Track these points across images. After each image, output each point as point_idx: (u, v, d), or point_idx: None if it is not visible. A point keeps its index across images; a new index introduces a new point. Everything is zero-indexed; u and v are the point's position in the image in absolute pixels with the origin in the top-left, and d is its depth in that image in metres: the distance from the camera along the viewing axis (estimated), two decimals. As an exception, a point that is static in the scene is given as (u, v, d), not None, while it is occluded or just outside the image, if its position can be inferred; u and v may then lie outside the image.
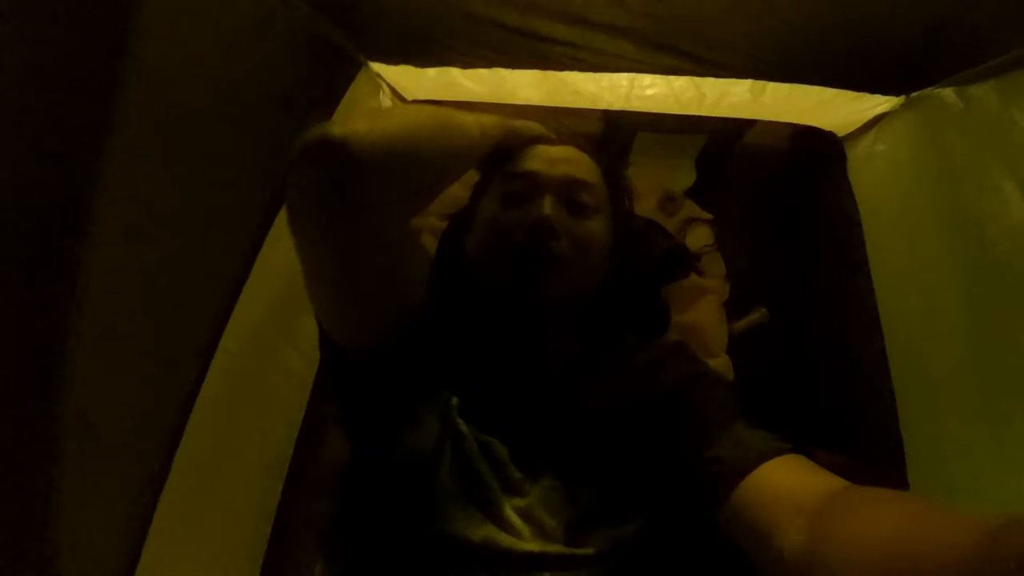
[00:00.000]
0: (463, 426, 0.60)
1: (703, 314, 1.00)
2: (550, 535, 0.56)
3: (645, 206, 1.05)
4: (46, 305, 0.54)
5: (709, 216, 1.07)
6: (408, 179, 0.57)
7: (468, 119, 0.65)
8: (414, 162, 0.57)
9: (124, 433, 0.66)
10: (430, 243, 0.98)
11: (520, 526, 0.56)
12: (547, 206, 0.65)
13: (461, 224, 0.79)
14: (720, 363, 0.98)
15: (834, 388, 0.99)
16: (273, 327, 0.82)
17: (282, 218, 0.81)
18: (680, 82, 0.85)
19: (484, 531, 0.55)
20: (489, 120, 0.68)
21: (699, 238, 1.05)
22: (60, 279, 0.53)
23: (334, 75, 0.88)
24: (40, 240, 0.52)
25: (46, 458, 0.56)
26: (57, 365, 0.54)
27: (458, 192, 0.93)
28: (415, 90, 1.05)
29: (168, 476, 0.70)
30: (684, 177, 1.11)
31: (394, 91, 1.03)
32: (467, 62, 0.85)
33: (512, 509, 0.57)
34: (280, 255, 0.81)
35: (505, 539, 0.55)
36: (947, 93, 0.74)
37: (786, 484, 0.49)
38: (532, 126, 0.75)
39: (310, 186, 0.51)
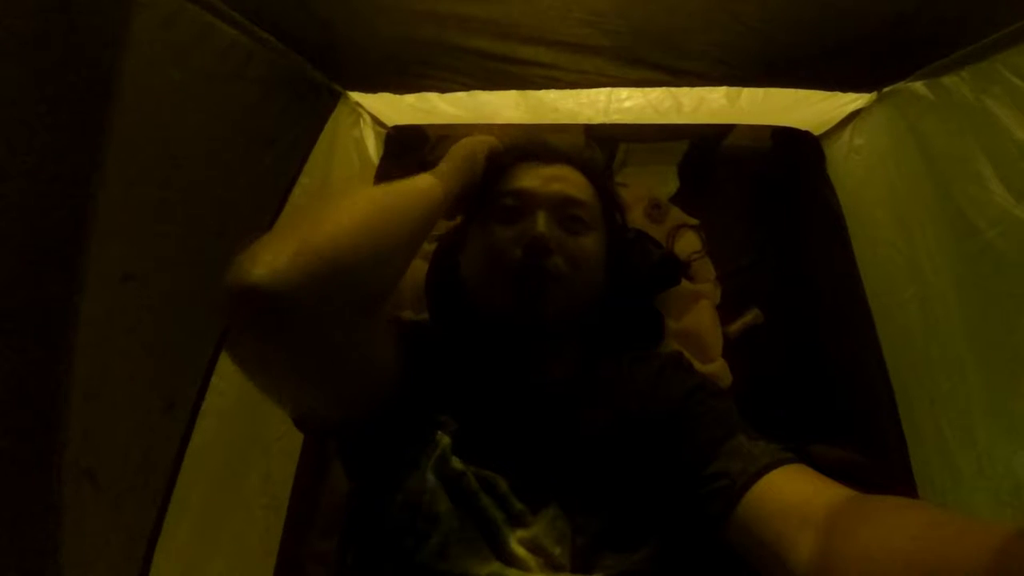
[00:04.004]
0: (458, 463, 0.59)
1: (698, 319, 1.00)
2: (558, 565, 0.55)
3: (632, 215, 1.05)
4: (40, 353, 0.53)
5: (695, 222, 1.07)
6: (362, 285, 0.50)
7: (418, 184, 0.59)
8: (364, 266, 0.49)
9: (123, 479, 0.65)
10: (420, 267, 0.98)
11: (526, 558, 0.55)
12: (541, 223, 0.65)
13: (452, 246, 0.78)
14: (718, 367, 0.98)
15: (831, 383, 0.99)
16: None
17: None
18: (656, 93, 0.86)
19: (490, 568, 0.54)
20: (444, 166, 0.66)
21: (687, 244, 1.05)
22: (54, 325, 0.52)
23: (314, 108, 0.88)
24: (33, 286, 0.51)
25: (47, 511, 0.55)
26: (54, 414, 0.54)
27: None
28: (395, 116, 1.05)
29: (165, 520, 0.69)
30: (668, 184, 1.11)
31: (374, 118, 1.03)
32: (445, 87, 0.86)
33: (517, 541, 0.56)
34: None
35: (512, 573, 0.54)
36: (918, 86, 0.75)
37: (792, 495, 0.48)
38: (484, 140, 0.73)
39: (250, 345, 0.47)
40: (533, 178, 0.70)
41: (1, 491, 0.52)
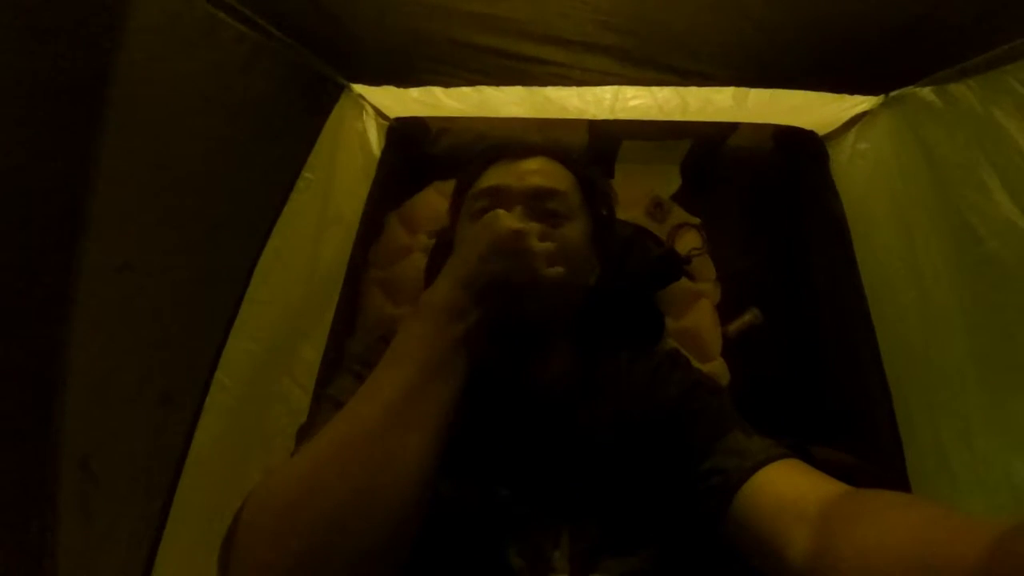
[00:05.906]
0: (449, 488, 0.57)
1: (698, 319, 1.00)
2: (557, 569, 0.55)
3: (634, 213, 1.05)
4: (36, 343, 0.53)
5: (697, 221, 1.07)
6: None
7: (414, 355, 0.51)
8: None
9: (124, 474, 0.65)
10: (421, 261, 0.98)
11: (523, 568, 0.55)
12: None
13: (445, 245, 0.78)
14: (716, 366, 0.98)
15: (829, 385, 1.00)
16: (269, 359, 0.81)
17: (273, 247, 0.81)
18: (664, 92, 0.86)
19: None
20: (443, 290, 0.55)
21: (688, 242, 1.05)
22: (50, 315, 0.52)
23: (319, 101, 0.87)
24: (29, 275, 0.51)
25: (45, 506, 0.55)
26: (51, 408, 0.53)
27: (444, 208, 0.92)
28: (397, 109, 1.04)
29: (169, 515, 0.69)
30: (669, 183, 1.11)
31: (377, 111, 1.02)
32: (451, 82, 0.85)
33: (516, 553, 0.55)
34: (271, 287, 0.80)
35: None
36: (926, 92, 0.75)
37: (787, 491, 0.48)
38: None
39: None
40: (506, 175, 0.69)
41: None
